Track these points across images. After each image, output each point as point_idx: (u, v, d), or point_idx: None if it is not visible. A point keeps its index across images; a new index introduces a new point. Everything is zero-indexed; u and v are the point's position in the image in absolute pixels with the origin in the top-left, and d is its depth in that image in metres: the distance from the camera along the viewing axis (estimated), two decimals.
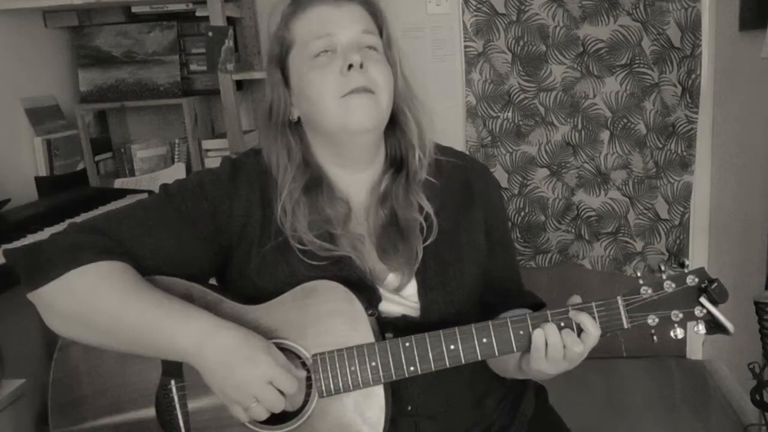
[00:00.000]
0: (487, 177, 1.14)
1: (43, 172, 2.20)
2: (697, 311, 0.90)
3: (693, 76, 2.37)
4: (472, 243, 1.08)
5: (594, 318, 0.90)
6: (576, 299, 0.93)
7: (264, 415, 0.90)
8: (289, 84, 1.03)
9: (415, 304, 1.03)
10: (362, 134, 1.00)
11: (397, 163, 1.07)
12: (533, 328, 0.91)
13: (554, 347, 0.90)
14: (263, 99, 1.06)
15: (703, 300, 0.90)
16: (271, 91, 1.04)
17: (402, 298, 1.03)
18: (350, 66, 0.96)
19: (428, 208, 1.04)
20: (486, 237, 1.10)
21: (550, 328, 0.90)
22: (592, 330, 0.89)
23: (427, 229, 1.03)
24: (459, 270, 1.05)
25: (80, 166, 2.34)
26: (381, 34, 1.04)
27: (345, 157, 1.04)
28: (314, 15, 1.00)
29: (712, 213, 2.53)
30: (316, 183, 1.02)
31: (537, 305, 1.10)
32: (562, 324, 0.91)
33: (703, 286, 0.90)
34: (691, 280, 0.91)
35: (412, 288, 1.03)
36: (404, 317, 1.02)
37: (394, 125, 1.06)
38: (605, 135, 2.50)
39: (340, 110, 0.97)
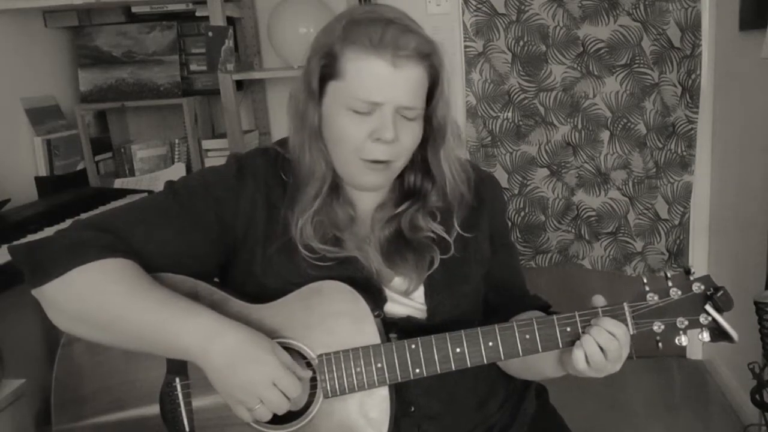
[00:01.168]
0: (493, 183, 1.14)
1: (43, 172, 2.20)
2: (702, 319, 0.90)
3: (693, 76, 2.37)
4: (477, 247, 1.08)
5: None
6: (599, 300, 0.93)
7: (268, 416, 0.90)
8: (322, 102, 0.99)
9: (421, 306, 1.03)
10: (370, 190, 1.03)
11: (412, 193, 1.06)
12: (539, 332, 0.92)
13: (593, 355, 0.90)
14: (296, 98, 1.00)
15: (708, 308, 0.90)
16: (306, 97, 0.99)
17: (409, 300, 1.03)
18: (379, 138, 0.95)
19: (440, 231, 1.04)
20: (490, 241, 1.10)
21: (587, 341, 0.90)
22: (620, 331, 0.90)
23: (440, 242, 1.03)
24: (465, 273, 1.06)
25: (80, 166, 2.34)
26: (431, 94, 0.99)
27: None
28: (370, 69, 0.93)
29: (712, 213, 2.53)
30: (333, 188, 1.02)
31: (542, 307, 1.10)
32: (569, 329, 0.91)
33: (708, 293, 0.90)
34: (697, 288, 0.91)
35: (419, 290, 1.03)
36: (409, 318, 1.02)
37: (418, 153, 1.04)
38: (605, 135, 2.50)
39: (354, 169, 0.98)
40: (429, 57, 0.96)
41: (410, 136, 0.99)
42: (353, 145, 0.96)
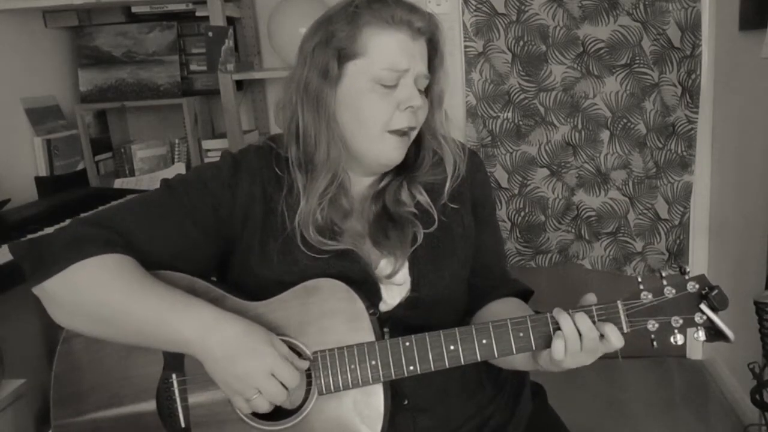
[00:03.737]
0: (473, 158, 1.15)
1: (43, 172, 2.21)
2: (697, 318, 0.90)
3: (693, 76, 2.37)
4: (460, 221, 1.09)
5: (594, 320, 0.90)
6: (590, 298, 0.93)
7: (266, 407, 0.91)
8: (339, 84, 1.01)
9: (406, 279, 1.04)
10: (389, 167, 1.05)
11: (401, 165, 1.07)
12: (533, 330, 0.92)
13: (570, 338, 0.89)
14: (307, 83, 1.01)
15: (703, 306, 0.90)
16: (321, 80, 1.00)
17: (398, 286, 1.03)
18: (410, 106, 1.00)
19: (427, 203, 1.06)
20: (473, 214, 1.12)
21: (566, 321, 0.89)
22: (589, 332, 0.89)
23: (423, 216, 1.05)
24: (449, 247, 1.07)
25: (80, 166, 2.35)
26: (433, 63, 1.05)
27: (359, 167, 1.06)
28: (395, 41, 0.99)
29: (712, 213, 2.53)
30: (342, 180, 1.04)
31: (522, 293, 1.12)
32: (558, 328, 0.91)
33: (703, 292, 0.90)
34: (692, 287, 0.91)
35: (404, 266, 1.04)
36: (399, 305, 1.03)
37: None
38: (605, 135, 2.50)
39: (379, 144, 1.01)
40: (434, 32, 1.05)
41: (423, 109, 1.04)
42: (382, 119, 1.00)
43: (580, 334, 0.89)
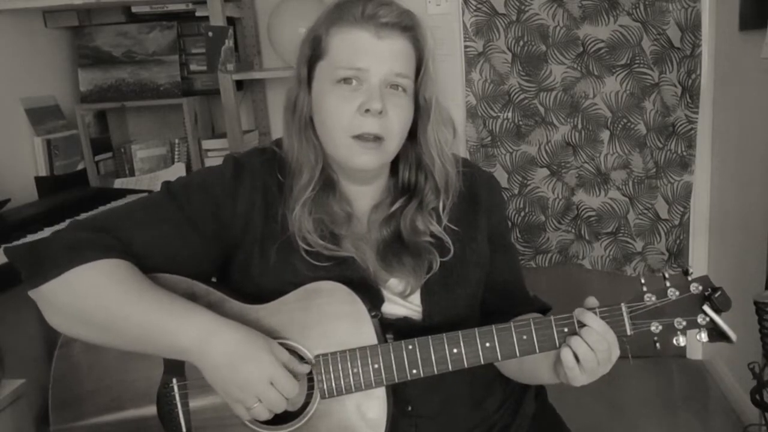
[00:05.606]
0: (491, 183, 1.14)
1: (43, 172, 2.20)
2: (700, 319, 0.90)
3: (693, 76, 2.37)
4: (475, 248, 1.08)
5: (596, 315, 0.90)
6: (592, 302, 0.92)
7: (266, 415, 0.90)
8: (312, 88, 1.01)
9: (417, 307, 1.03)
10: (364, 172, 1.02)
11: (410, 189, 1.06)
12: (536, 333, 0.91)
13: (585, 358, 0.89)
14: (289, 90, 1.03)
15: (706, 308, 0.90)
16: (297, 85, 1.02)
17: (405, 301, 1.03)
18: (368, 110, 0.95)
19: (439, 232, 1.03)
20: (489, 241, 1.10)
21: (576, 342, 0.89)
22: (596, 326, 0.89)
23: (439, 245, 1.03)
24: (463, 276, 1.05)
25: (80, 166, 2.35)
26: (419, 72, 1.01)
27: (344, 171, 1.04)
28: (352, 39, 0.96)
29: (712, 213, 2.53)
30: (328, 183, 1.02)
31: (544, 310, 1.10)
32: (566, 330, 0.91)
33: (706, 294, 0.90)
34: (695, 288, 0.91)
35: (415, 292, 1.03)
36: (406, 319, 1.02)
37: (412, 147, 1.04)
38: (605, 135, 2.50)
39: (346, 149, 0.97)
40: (412, 30, 0.99)
41: (399, 111, 0.98)
42: (343, 121, 0.96)
43: (591, 349, 0.89)
